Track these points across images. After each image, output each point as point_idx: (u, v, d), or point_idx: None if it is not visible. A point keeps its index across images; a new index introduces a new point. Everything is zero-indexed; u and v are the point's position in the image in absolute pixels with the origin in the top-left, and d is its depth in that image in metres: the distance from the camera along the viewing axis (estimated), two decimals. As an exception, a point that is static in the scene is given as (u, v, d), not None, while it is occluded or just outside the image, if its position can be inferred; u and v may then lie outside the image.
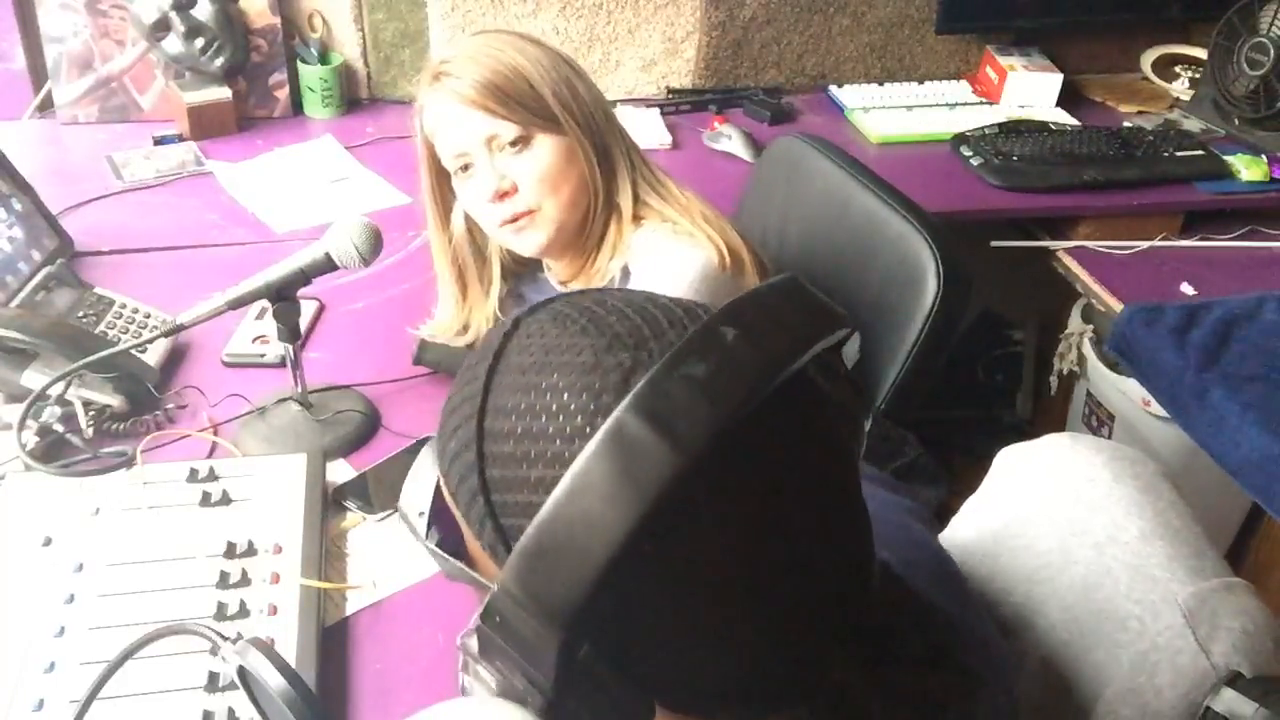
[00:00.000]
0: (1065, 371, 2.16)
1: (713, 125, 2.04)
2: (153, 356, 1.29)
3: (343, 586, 1.04)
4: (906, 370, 1.29)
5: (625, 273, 1.22)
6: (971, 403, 2.48)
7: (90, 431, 1.18)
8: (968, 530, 0.95)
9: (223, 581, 0.98)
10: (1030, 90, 2.22)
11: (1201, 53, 2.28)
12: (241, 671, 0.75)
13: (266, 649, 0.74)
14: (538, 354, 0.51)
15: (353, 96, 2.13)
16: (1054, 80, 2.22)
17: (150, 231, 1.65)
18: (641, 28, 2.15)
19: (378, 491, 1.16)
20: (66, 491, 1.08)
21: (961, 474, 1.30)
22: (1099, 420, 2.17)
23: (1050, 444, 0.93)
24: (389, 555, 1.08)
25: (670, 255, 1.18)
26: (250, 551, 1.03)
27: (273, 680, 0.72)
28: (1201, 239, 1.90)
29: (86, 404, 1.19)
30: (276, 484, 1.11)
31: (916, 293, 1.27)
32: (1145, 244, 1.87)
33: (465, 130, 1.15)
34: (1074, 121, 2.16)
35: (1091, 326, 2.09)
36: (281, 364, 1.28)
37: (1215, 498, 1.86)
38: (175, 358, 1.35)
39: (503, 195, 1.17)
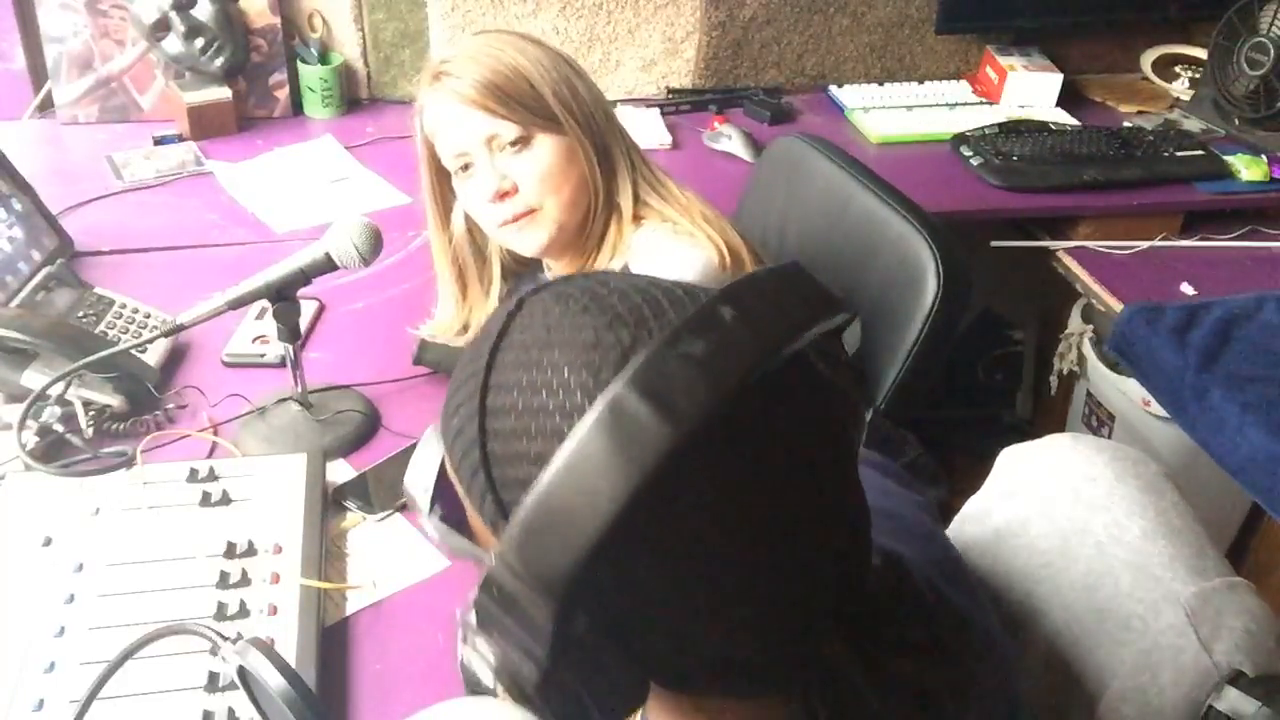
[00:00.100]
0: (1065, 371, 2.16)
1: (713, 125, 2.04)
2: (153, 356, 1.29)
3: (343, 586, 1.04)
4: (906, 370, 1.29)
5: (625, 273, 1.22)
6: (971, 403, 2.48)
7: (90, 431, 1.18)
8: (969, 529, 0.95)
9: (223, 581, 0.98)
10: (1030, 90, 2.22)
11: (1201, 53, 2.28)
12: (241, 671, 0.75)
13: (266, 649, 0.74)
14: (540, 332, 0.52)
15: (353, 96, 2.13)
16: (1054, 80, 2.22)
17: (150, 231, 1.65)
18: (641, 28, 2.15)
19: (378, 491, 1.16)
20: (66, 491, 1.08)
21: (961, 474, 1.30)
22: (1099, 420, 2.17)
23: (1052, 444, 0.93)
24: (389, 555, 1.08)
25: (670, 255, 1.18)
26: (250, 551, 1.03)
27: (273, 680, 0.72)
28: (1201, 239, 1.90)
29: (86, 404, 1.19)
30: (276, 484, 1.11)
31: (916, 293, 1.27)
32: (1145, 244, 1.87)
33: (465, 130, 1.15)
34: (1074, 121, 2.16)
35: (1091, 326, 2.09)
36: (281, 364, 1.28)
37: (1215, 498, 1.86)
38: (175, 358, 1.35)
39: (503, 195, 1.17)
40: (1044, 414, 2.39)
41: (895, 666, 0.55)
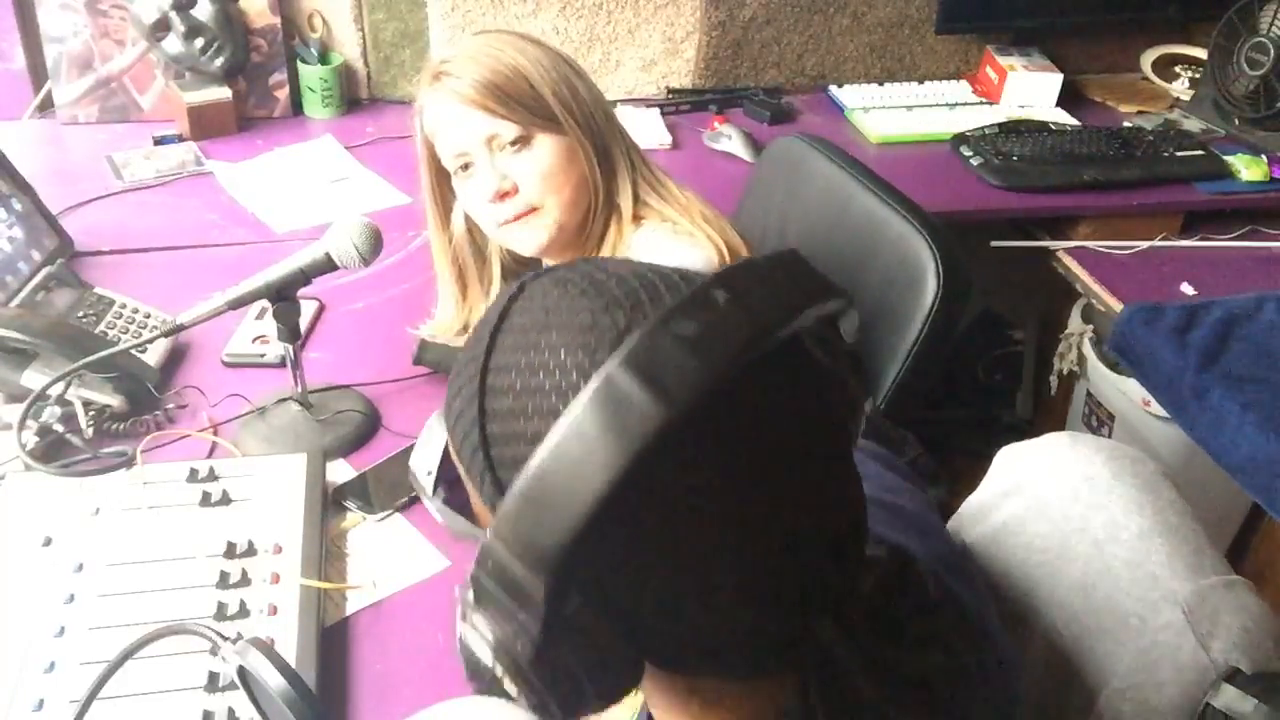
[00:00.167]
0: (1065, 371, 2.16)
1: (713, 125, 2.04)
2: (153, 356, 1.29)
3: (343, 586, 1.04)
4: (906, 370, 1.29)
5: (625, 272, 1.21)
6: (971, 403, 2.48)
7: (90, 431, 1.18)
8: (967, 528, 0.95)
9: (223, 581, 0.98)
10: (1030, 90, 2.22)
11: (1201, 53, 2.28)
12: (241, 671, 0.75)
13: (266, 649, 0.74)
14: (538, 315, 0.53)
15: (353, 96, 2.13)
16: (1054, 80, 2.22)
17: (150, 231, 1.65)
18: (641, 28, 2.15)
19: (378, 491, 1.16)
20: (66, 491, 1.08)
21: (961, 474, 1.30)
22: (1099, 420, 2.17)
23: (1050, 443, 0.93)
24: (389, 555, 1.08)
25: (670, 255, 1.18)
26: (250, 551, 1.03)
27: (273, 680, 0.72)
28: (1201, 239, 1.90)
29: (86, 404, 1.19)
30: (276, 484, 1.11)
31: (916, 293, 1.27)
32: (1145, 244, 1.88)
33: (465, 130, 1.15)
34: (1074, 121, 2.16)
35: (1091, 326, 2.09)
36: (281, 364, 1.28)
37: (1215, 497, 1.86)
38: (175, 358, 1.35)
39: (503, 195, 1.17)
40: (1044, 414, 2.39)
41: (894, 656, 0.55)
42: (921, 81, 2.29)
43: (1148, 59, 2.40)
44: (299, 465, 1.13)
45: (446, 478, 0.61)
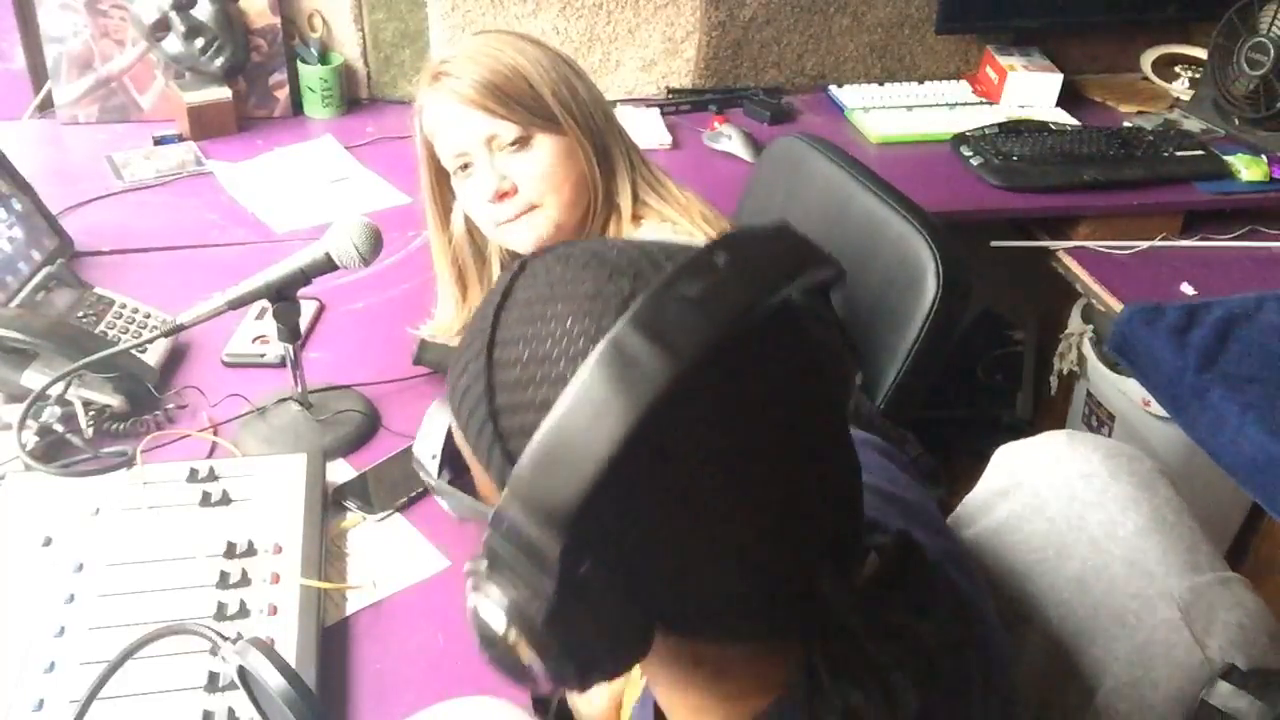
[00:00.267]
0: (1065, 371, 2.16)
1: (713, 125, 2.04)
2: (153, 356, 1.29)
3: (343, 586, 1.04)
4: (906, 370, 1.29)
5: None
6: (971, 403, 2.48)
7: (90, 431, 1.18)
8: (966, 526, 0.95)
9: (223, 581, 0.98)
10: (1030, 90, 2.22)
11: (1201, 53, 2.28)
12: (241, 671, 0.75)
13: (266, 649, 0.74)
14: (543, 289, 0.54)
15: (353, 96, 2.13)
16: (1054, 80, 2.22)
17: (150, 231, 1.66)
18: (641, 28, 2.15)
19: (378, 491, 1.16)
20: (66, 491, 1.08)
21: (961, 474, 1.30)
22: (1099, 420, 2.17)
23: (1047, 441, 0.94)
24: (389, 555, 1.09)
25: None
26: (250, 551, 1.03)
27: (273, 680, 0.72)
28: (1201, 239, 1.90)
29: (86, 404, 1.19)
30: (276, 484, 1.11)
31: (916, 293, 1.27)
32: (1145, 244, 1.87)
33: (465, 130, 1.15)
34: (1074, 121, 2.16)
35: (1091, 326, 2.09)
36: (281, 364, 1.28)
37: (1215, 497, 1.86)
38: (175, 358, 1.35)
39: (503, 195, 1.17)
40: (1044, 414, 2.39)
41: (898, 622, 0.56)
42: (921, 81, 2.29)
43: (1148, 59, 2.40)
44: (299, 465, 1.13)
45: (450, 462, 0.61)
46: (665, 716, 0.63)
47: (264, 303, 1.17)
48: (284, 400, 1.24)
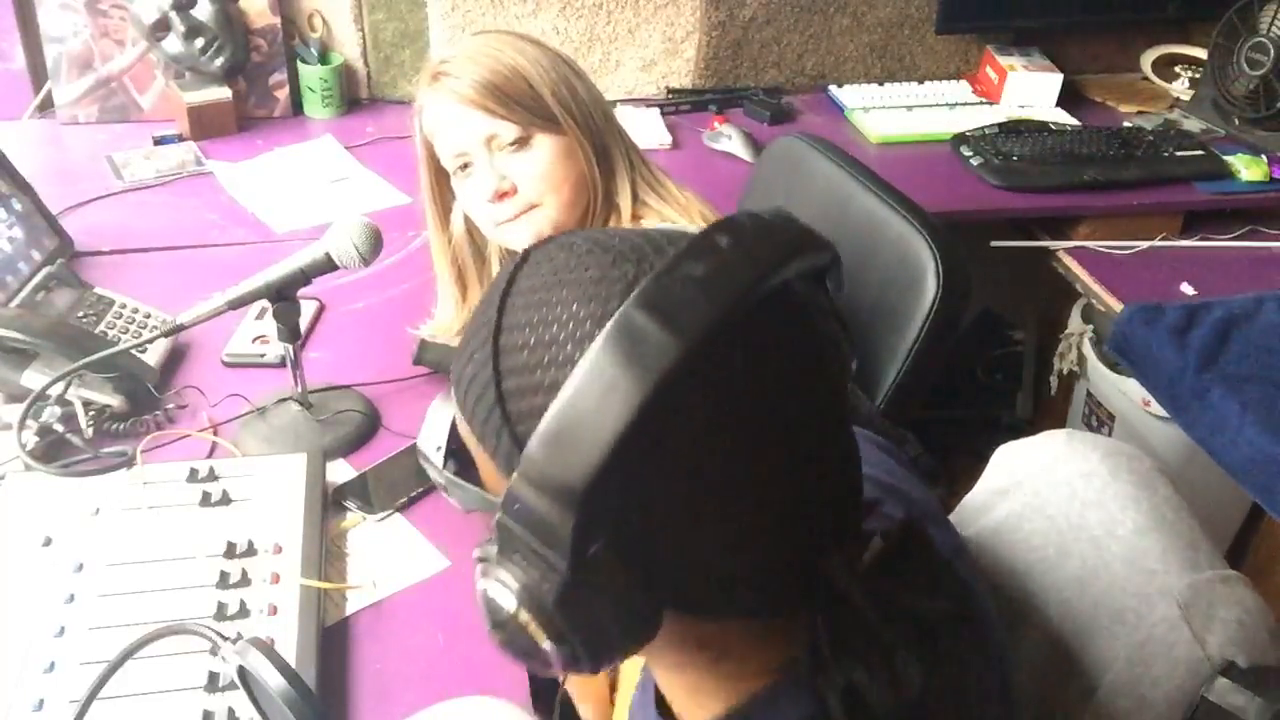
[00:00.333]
0: (1065, 371, 2.16)
1: (713, 125, 2.04)
2: (153, 356, 1.29)
3: (343, 586, 1.04)
4: (906, 370, 1.29)
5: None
6: (971, 403, 2.48)
7: (90, 431, 1.18)
8: (965, 526, 0.96)
9: (223, 581, 0.98)
10: (1030, 90, 2.22)
11: (1201, 53, 2.28)
12: (241, 671, 0.75)
13: (266, 649, 0.74)
14: (547, 276, 0.55)
15: (353, 96, 2.13)
16: (1054, 80, 2.22)
17: (150, 231, 1.66)
18: (641, 28, 2.15)
19: (378, 491, 1.16)
20: (66, 491, 1.08)
21: (961, 474, 1.30)
22: (1099, 420, 2.17)
23: (1046, 441, 0.94)
24: (389, 555, 1.08)
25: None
26: (250, 551, 1.03)
27: (273, 680, 0.72)
28: (1201, 239, 1.90)
29: (86, 404, 1.19)
30: (276, 484, 1.11)
31: (916, 293, 1.27)
32: (1145, 244, 1.87)
33: (464, 130, 1.15)
34: (1074, 121, 2.16)
35: (1091, 326, 2.09)
36: (281, 364, 1.28)
37: (1215, 497, 1.86)
38: (175, 358, 1.35)
39: (502, 195, 1.17)
40: (1044, 414, 2.39)
41: (904, 597, 0.56)
42: (921, 81, 2.29)
43: (1148, 59, 2.40)
44: (299, 465, 1.13)
45: (456, 455, 0.62)
46: (664, 699, 0.64)
47: (264, 303, 1.17)
48: (284, 400, 1.24)
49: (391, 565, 1.07)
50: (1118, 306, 1.73)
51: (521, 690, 0.94)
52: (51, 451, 1.16)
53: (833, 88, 2.25)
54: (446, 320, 1.34)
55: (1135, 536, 0.83)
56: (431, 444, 0.63)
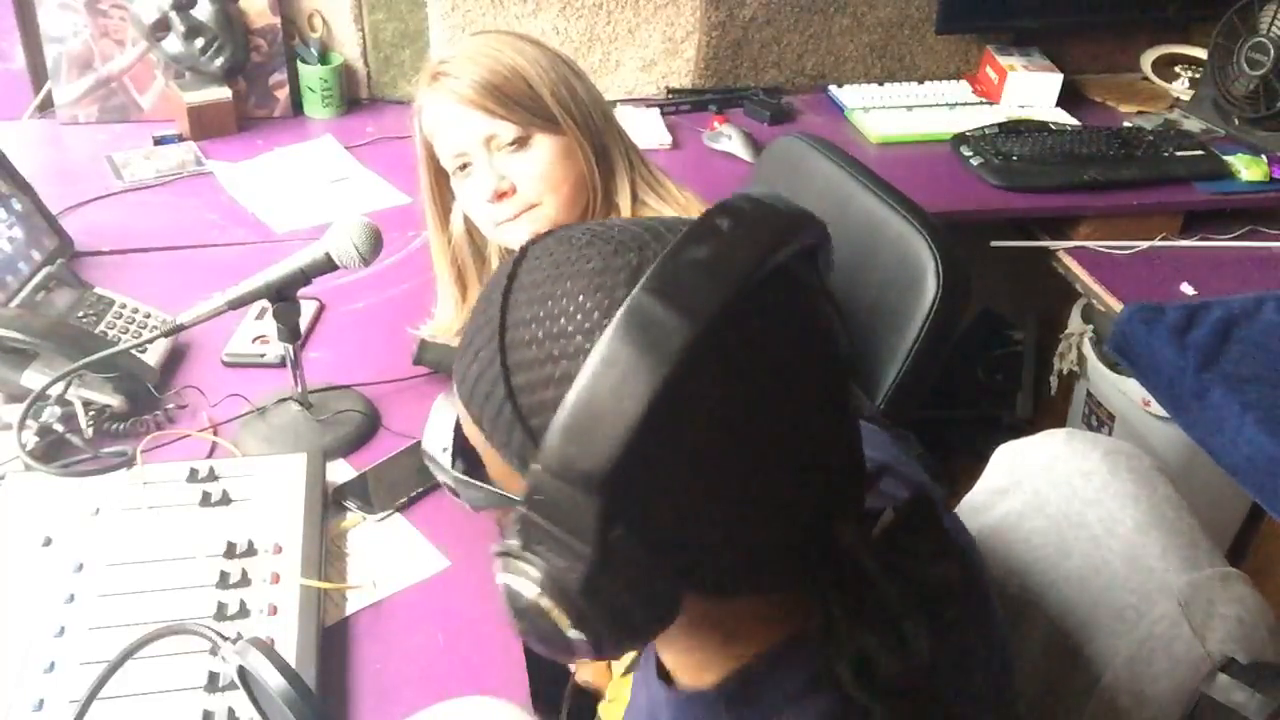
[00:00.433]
0: (1065, 371, 2.16)
1: (713, 125, 2.04)
2: (153, 356, 1.29)
3: (343, 586, 1.04)
4: (906, 370, 1.29)
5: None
6: (971, 403, 2.48)
7: (90, 431, 1.18)
8: (966, 524, 0.95)
9: (223, 581, 0.98)
10: (1030, 90, 2.22)
11: (1201, 53, 2.28)
12: (241, 671, 0.75)
13: (266, 649, 0.74)
14: (548, 270, 0.55)
15: (353, 96, 2.13)
16: (1054, 80, 2.22)
17: (150, 231, 1.65)
18: (641, 28, 2.15)
19: (378, 491, 1.16)
20: (66, 491, 1.08)
21: (961, 474, 1.30)
22: (1099, 420, 2.17)
23: (1046, 440, 0.94)
24: (389, 555, 1.08)
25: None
26: (250, 551, 1.03)
27: (273, 680, 0.72)
28: (1201, 239, 1.90)
29: (86, 404, 1.19)
30: (276, 484, 1.11)
31: (916, 293, 1.27)
32: (1145, 244, 1.88)
33: (464, 130, 1.15)
34: (1074, 121, 2.16)
35: (1091, 326, 2.09)
36: (281, 364, 1.28)
37: (1215, 497, 1.86)
38: (175, 358, 1.35)
39: (501, 195, 1.17)
40: (1044, 414, 2.39)
41: (913, 567, 0.57)
42: (921, 81, 2.29)
43: (1148, 59, 2.40)
44: (299, 465, 1.13)
45: (461, 454, 0.62)
46: (666, 668, 0.65)
47: (264, 303, 1.17)
48: (284, 400, 1.24)
49: (391, 565, 1.07)
50: (1118, 306, 1.73)
51: (521, 690, 0.94)
52: (51, 451, 1.16)
53: (833, 88, 2.25)
54: (446, 320, 1.34)
55: (1135, 534, 0.83)
56: (437, 445, 0.63)
